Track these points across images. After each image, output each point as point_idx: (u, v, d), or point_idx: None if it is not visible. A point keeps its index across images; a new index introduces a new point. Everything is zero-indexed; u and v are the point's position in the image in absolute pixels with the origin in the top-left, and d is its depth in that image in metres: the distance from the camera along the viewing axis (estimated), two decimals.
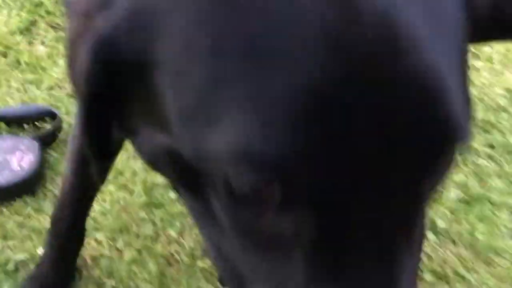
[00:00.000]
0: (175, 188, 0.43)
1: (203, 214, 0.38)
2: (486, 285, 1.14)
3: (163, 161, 0.39)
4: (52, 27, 1.52)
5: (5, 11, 1.53)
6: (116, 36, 0.37)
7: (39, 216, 1.08)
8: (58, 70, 1.40)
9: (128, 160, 1.21)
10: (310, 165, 0.30)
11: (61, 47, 1.47)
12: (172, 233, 1.10)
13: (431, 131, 0.31)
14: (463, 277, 1.14)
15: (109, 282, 1.01)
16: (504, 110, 1.56)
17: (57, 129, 1.22)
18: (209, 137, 0.32)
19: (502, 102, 1.58)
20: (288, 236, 0.33)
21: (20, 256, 1.01)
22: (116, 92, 0.39)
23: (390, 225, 0.32)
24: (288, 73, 0.30)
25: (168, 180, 0.43)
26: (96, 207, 1.08)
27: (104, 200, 1.13)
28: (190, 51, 0.33)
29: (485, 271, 1.15)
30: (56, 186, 1.15)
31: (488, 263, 1.17)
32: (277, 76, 0.30)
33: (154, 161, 0.41)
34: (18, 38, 1.46)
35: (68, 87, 1.39)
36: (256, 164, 0.30)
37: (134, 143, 0.44)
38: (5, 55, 1.42)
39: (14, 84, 1.34)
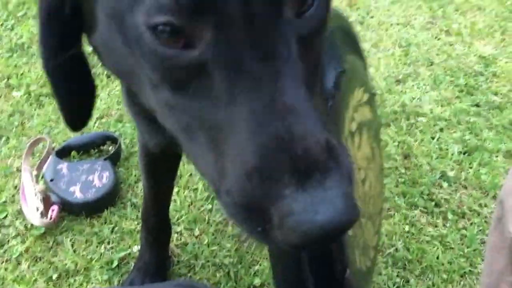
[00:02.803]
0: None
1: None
2: None
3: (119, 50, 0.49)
4: None
5: None
6: None
7: (126, 221, 1.28)
8: (103, 102, 1.60)
9: (183, 165, 1.42)
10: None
11: (101, 81, 1.67)
12: None
13: None
14: (478, 213, 1.37)
15: (198, 263, 1.21)
16: (481, 74, 1.82)
17: (119, 149, 1.42)
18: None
19: (477, 67, 1.84)
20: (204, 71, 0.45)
21: (120, 254, 1.20)
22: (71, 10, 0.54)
23: (271, 48, 0.45)
24: None
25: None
26: (170, 207, 1.28)
27: (174, 201, 1.33)
28: None
29: (494, 205, 1.38)
30: (130, 195, 1.35)
31: (495, 198, 1.41)
32: None
33: (109, 52, 0.53)
34: None
35: (114, 114, 1.59)
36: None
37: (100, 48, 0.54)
38: None
39: None
